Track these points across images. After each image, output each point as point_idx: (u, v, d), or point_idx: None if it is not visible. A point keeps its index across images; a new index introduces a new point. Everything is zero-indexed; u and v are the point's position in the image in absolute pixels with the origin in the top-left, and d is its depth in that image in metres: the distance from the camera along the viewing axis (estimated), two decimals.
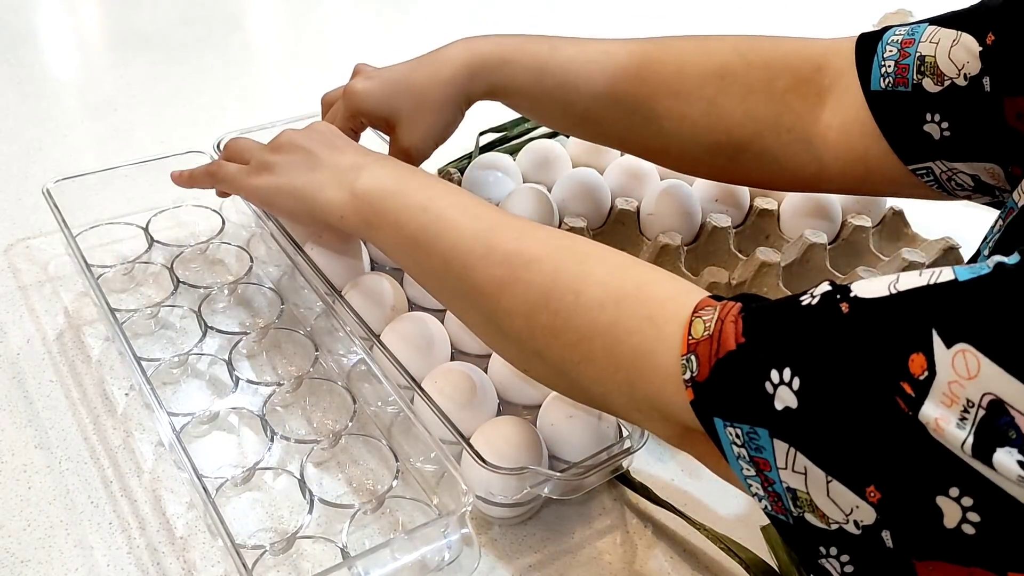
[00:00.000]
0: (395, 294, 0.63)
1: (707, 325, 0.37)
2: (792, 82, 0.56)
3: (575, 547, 0.53)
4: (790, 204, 0.75)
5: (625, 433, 0.55)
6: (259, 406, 0.57)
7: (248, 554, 0.47)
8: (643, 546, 0.53)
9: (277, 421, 0.57)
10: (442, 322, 0.61)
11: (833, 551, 0.34)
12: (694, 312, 0.39)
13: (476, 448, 0.51)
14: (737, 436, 0.36)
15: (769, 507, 0.36)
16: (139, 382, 0.55)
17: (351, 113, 0.62)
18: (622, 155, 0.80)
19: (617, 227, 0.73)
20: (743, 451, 0.36)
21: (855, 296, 0.33)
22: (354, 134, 0.63)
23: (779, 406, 0.33)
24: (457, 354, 0.61)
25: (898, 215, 0.76)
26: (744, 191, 0.76)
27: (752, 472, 0.36)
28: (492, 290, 0.46)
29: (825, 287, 0.34)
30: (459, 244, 0.48)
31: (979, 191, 0.53)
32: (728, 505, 0.56)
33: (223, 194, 0.66)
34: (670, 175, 0.78)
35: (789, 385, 0.33)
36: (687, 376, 0.37)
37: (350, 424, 0.57)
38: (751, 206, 0.76)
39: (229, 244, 0.71)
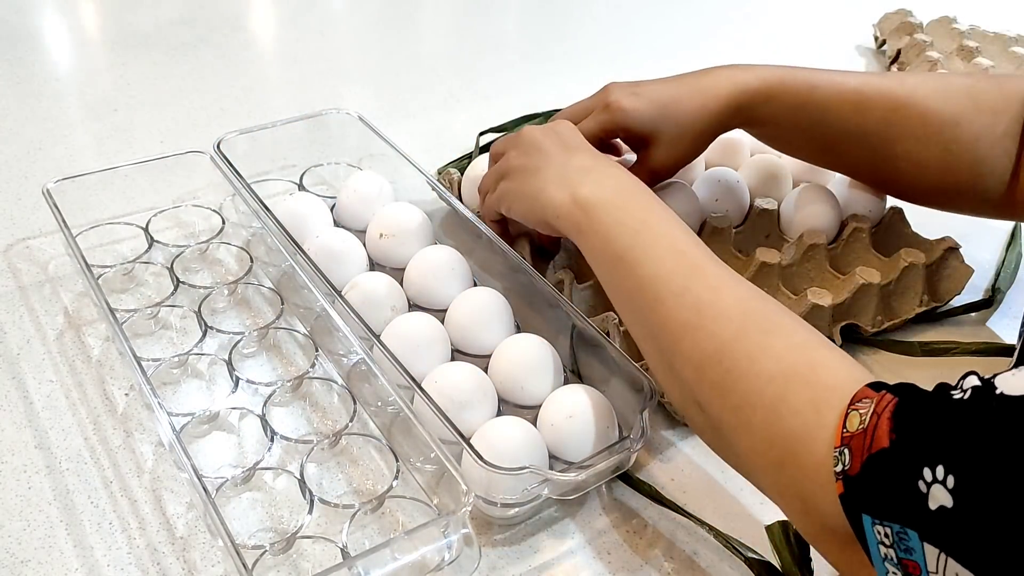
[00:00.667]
0: (395, 294, 0.63)
1: (863, 418, 0.37)
2: (1009, 124, 0.62)
3: (575, 547, 0.53)
4: (790, 204, 0.75)
5: (625, 433, 0.55)
6: (259, 406, 0.57)
7: (248, 554, 0.47)
8: (643, 546, 0.53)
9: (277, 421, 0.57)
10: (442, 322, 0.61)
11: None
12: (851, 404, 0.38)
13: (476, 448, 0.51)
14: (886, 536, 0.35)
15: None
16: (139, 382, 0.55)
17: (613, 127, 0.63)
18: (623, 156, 0.80)
19: None
20: (891, 552, 0.35)
21: (1001, 393, 0.32)
22: (601, 144, 0.64)
23: (932, 506, 0.33)
24: (457, 354, 0.61)
25: (898, 215, 0.76)
26: (744, 191, 0.76)
27: (899, 575, 0.35)
28: (675, 330, 0.47)
29: (974, 381, 0.34)
30: (658, 275, 0.49)
31: None
32: (729, 504, 0.56)
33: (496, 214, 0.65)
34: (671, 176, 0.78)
35: (943, 483, 0.32)
36: (839, 469, 0.37)
37: (350, 424, 0.57)
38: (751, 206, 0.76)
39: (229, 244, 0.71)
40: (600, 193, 0.54)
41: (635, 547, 0.53)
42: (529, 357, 0.58)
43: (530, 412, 0.57)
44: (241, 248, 0.70)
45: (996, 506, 0.31)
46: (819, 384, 0.41)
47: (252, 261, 0.69)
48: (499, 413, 0.57)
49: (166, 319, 0.64)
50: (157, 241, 0.69)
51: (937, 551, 0.33)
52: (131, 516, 0.52)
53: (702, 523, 0.53)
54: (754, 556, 0.51)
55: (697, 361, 0.46)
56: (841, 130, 0.64)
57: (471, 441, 0.52)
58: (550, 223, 0.57)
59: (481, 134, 0.87)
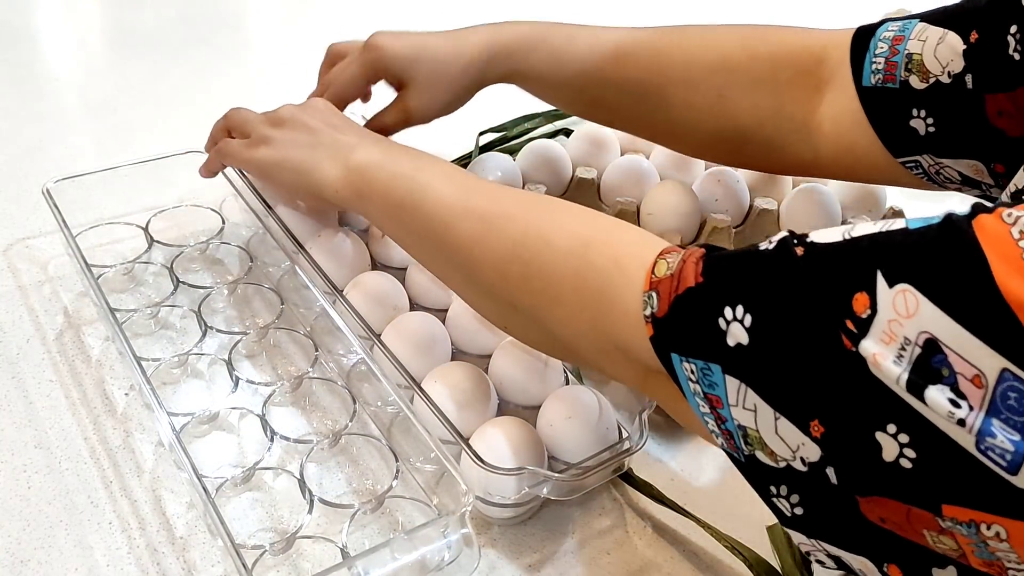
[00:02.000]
0: (395, 294, 0.63)
1: (670, 265, 0.39)
2: (794, 74, 0.59)
3: (575, 547, 0.53)
4: (790, 204, 0.75)
5: (625, 434, 0.55)
6: (259, 406, 0.57)
7: (248, 554, 0.47)
8: (643, 546, 0.53)
9: (277, 421, 0.57)
10: (443, 322, 0.61)
11: (783, 490, 0.36)
12: (659, 255, 0.40)
13: (475, 448, 0.51)
14: (692, 372, 0.37)
15: (724, 444, 0.37)
16: (139, 382, 0.55)
17: (371, 66, 0.65)
18: (622, 155, 0.80)
19: None
20: (698, 387, 0.37)
21: (810, 241, 0.34)
22: (364, 85, 0.67)
23: (731, 342, 0.34)
24: (457, 354, 0.61)
25: (898, 214, 0.76)
26: (744, 191, 0.76)
27: (707, 409, 0.37)
28: (468, 245, 0.49)
29: (783, 233, 0.35)
30: (439, 205, 0.51)
31: (967, 184, 0.54)
32: (729, 505, 0.56)
33: (220, 165, 0.67)
34: (670, 175, 0.78)
35: (741, 322, 0.34)
36: (647, 312, 0.39)
37: (350, 424, 0.57)
38: (751, 206, 0.76)
39: (229, 244, 0.71)
40: (371, 156, 0.56)
41: (634, 547, 0.53)
42: (529, 358, 0.58)
43: (529, 413, 0.57)
44: (241, 248, 0.70)
45: (787, 342, 0.33)
46: (618, 243, 0.43)
47: (252, 261, 0.69)
48: (499, 413, 0.57)
49: (166, 319, 0.64)
50: (157, 241, 0.69)
51: (737, 383, 0.35)
52: (131, 516, 0.52)
53: (703, 523, 0.53)
54: (755, 557, 0.51)
55: (497, 264, 0.47)
56: (602, 81, 0.63)
57: (470, 441, 0.52)
58: (328, 198, 0.58)
59: (481, 134, 0.87)
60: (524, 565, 0.52)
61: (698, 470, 0.58)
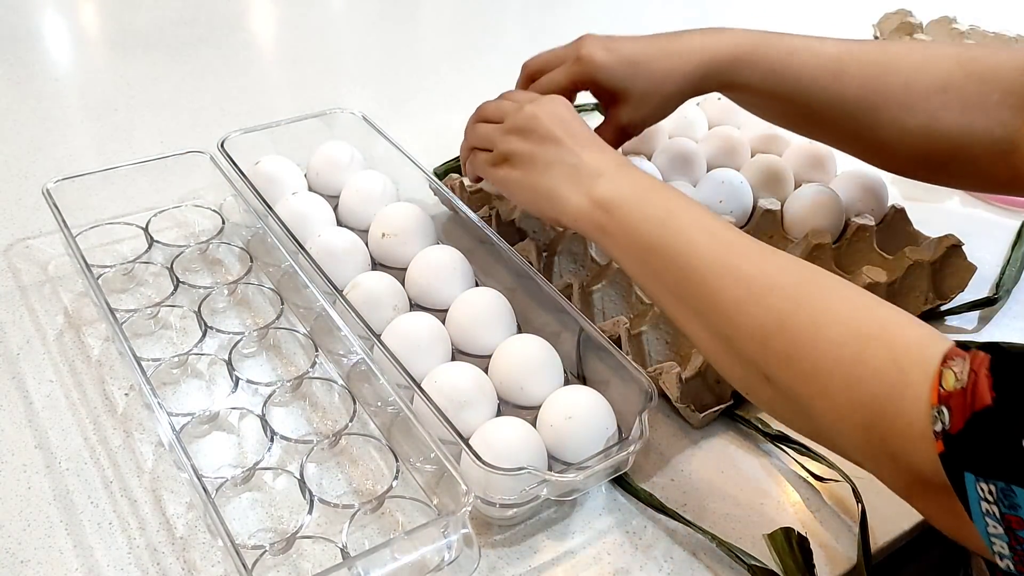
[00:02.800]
0: (395, 294, 0.63)
1: (958, 376, 0.37)
2: (1003, 95, 0.60)
3: (575, 547, 0.53)
4: (794, 204, 0.75)
5: (625, 434, 0.55)
6: (259, 406, 0.57)
7: (248, 554, 0.47)
8: (643, 546, 0.53)
9: (277, 421, 0.57)
10: (443, 322, 0.61)
11: None
12: (943, 362, 0.38)
13: (475, 449, 0.50)
14: (989, 493, 0.35)
15: (1012, 567, 0.36)
16: (139, 382, 0.55)
17: (583, 79, 0.64)
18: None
19: None
20: (994, 508, 0.35)
21: None
22: (571, 95, 0.65)
23: None
24: (457, 354, 0.61)
25: (900, 213, 0.76)
26: (748, 192, 0.76)
27: (1000, 531, 0.35)
28: (728, 308, 0.47)
29: None
30: (696, 259, 0.48)
31: None
32: (729, 505, 0.56)
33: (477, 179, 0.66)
34: (673, 176, 0.78)
35: None
36: (938, 428, 0.37)
37: (350, 424, 0.57)
38: (755, 206, 0.76)
39: (229, 244, 0.71)
40: (619, 191, 0.53)
41: (634, 548, 0.53)
42: (529, 358, 0.58)
43: (529, 413, 0.57)
44: (241, 248, 0.70)
45: None
46: (896, 343, 0.41)
47: (252, 261, 0.69)
48: (499, 413, 0.57)
49: (166, 319, 0.64)
50: (157, 241, 0.69)
51: None
52: (131, 516, 0.52)
53: (703, 531, 0.53)
54: (757, 564, 0.51)
55: (759, 335, 0.45)
56: (819, 98, 0.63)
57: (470, 441, 0.52)
58: (566, 224, 0.56)
59: None
60: (524, 565, 0.51)
61: (697, 470, 0.58)
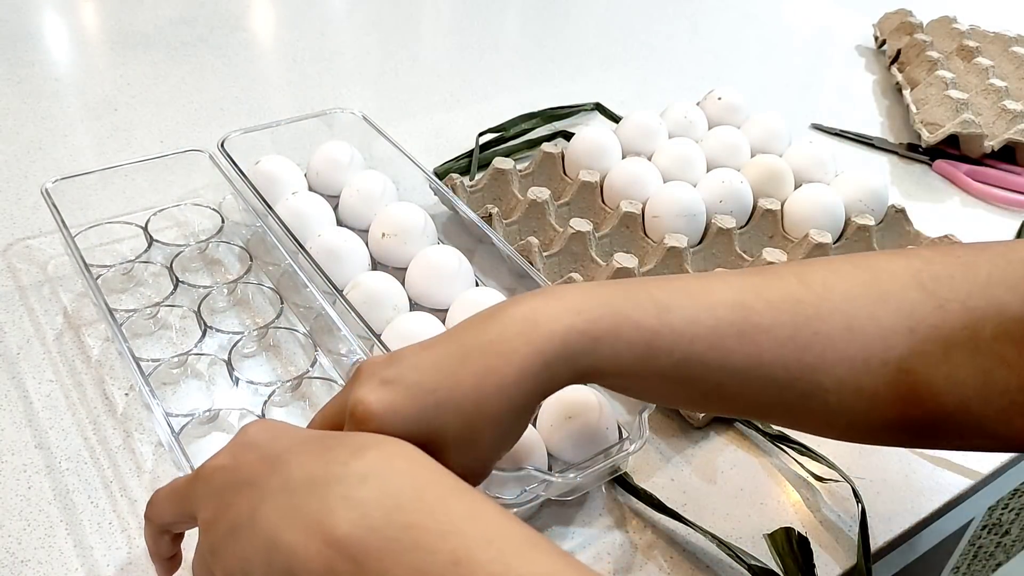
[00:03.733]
0: (395, 294, 0.63)
1: None
2: (1000, 325, 0.41)
3: (575, 548, 0.53)
4: (794, 205, 0.75)
5: (625, 434, 0.55)
6: (259, 406, 0.57)
7: None
8: (643, 546, 0.53)
9: None
10: (443, 322, 0.61)
11: None
12: None
13: None
14: None
15: None
16: (139, 382, 0.55)
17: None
18: (624, 157, 0.80)
19: (622, 230, 0.72)
20: None
21: None
22: None
23: None
24: None
25: (900, 213, 0.76)
26: (748, 192, 0.76)
27: None
28: None
29: None
30: None
31: None
32: (729, 505, 0.56)
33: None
34: (673, 176, 0.78)
35: None
36: None
37: None
38: (755, 206, 0.76)
39: (229, 244, 0.71)
40: (367, 517, 0.33)
41: (634, 548, 0.53)
42: None
43: None
44: (241, 248, 0.70)
45: None
46: None
47: (252, 260, 0.69)
48: None
49: (166, 319, 0.64)
50: (157, 241, 0.69)
51: None
52: (131, 516, 0.52)
53: (703, 531, 0.53)
54: (757, 564, 0.51)
55: None
56: (722, 369, 0.42)
57: None
58: None
59: (481, 134, 0.87)
60: None
61: (697, 470, 0.58)
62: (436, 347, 0.41)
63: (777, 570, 0.51)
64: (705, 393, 0.44)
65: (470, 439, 0.40)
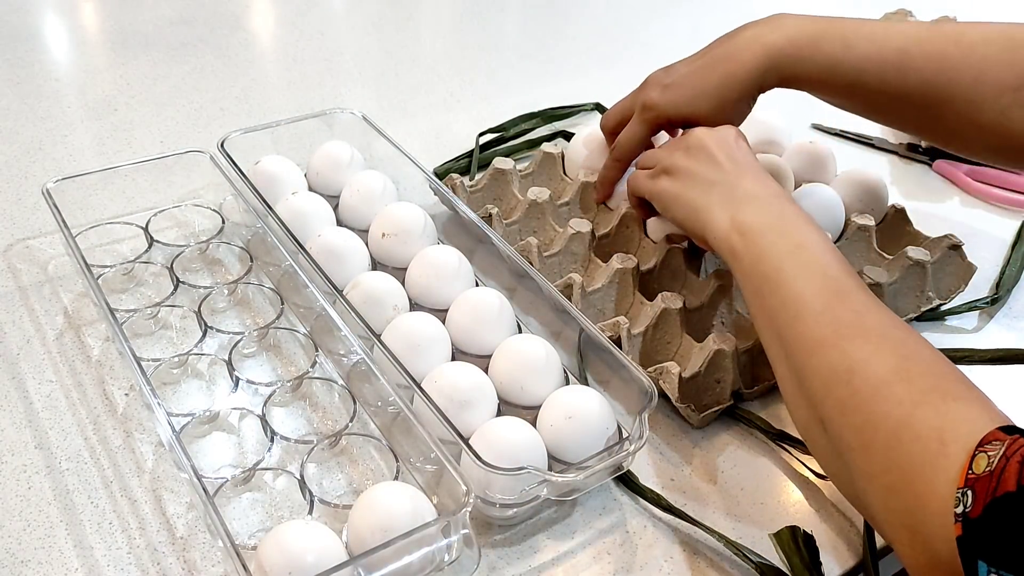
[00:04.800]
0: (396, 294, 0.63)
1: (991, 460, 0.36)
2: None
3: (575, 547, 0.53)
4: None
5: (625, 434, 0.55)
6: (259, 406, 0.57)
7: (248, 555, 0.47)
8: (643, 546, 0.53)
9: (277, 421, 0.57)
10: (443, 322, 0.61)
11: None
12: (979, 445, 0.37)
13: (475, 448, 0.50)
14: None
15: None
16: (139, 382, 0.55)
17: (655, 124, 0.67)
18: None
19: (622, 230, 0.72)
20: None
21: None
22: (650, 140, 0.69)
23: None
24: (457, 354, 0.61)
25: (900, 213, 0.76)
26: None
27: None
28: (809, 346, 0.47)
29: None
30: (803, 294, 0.49)
31: None
32: (728, 505, 0.56)
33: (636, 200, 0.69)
34: None
35: None
36: (959, 510, 0.36)
37: (350, 424, 0.57)
38: None
39: (229, 244, 0.71)
40: (759, 219, 0.54)
41: (635, 548, 0.53)
42: (529, 358, 0.58)
43: (530, 413, 0.57)
44: (241, 248, 0.70)
45: None
46: (948, 415, 0.40)
47: (252, 261, 0.69)
48: (499, 413, 0.57)
49: (166, 319, 0.64)
50: (157, 241, 0.69)
51: None
52: (131, 516, 0.52)
53: (711, 531, 0.53)
54: (764, 562, 0.51)
55: (826, 377, 0.45)
56: (884, 93, 0.62)
57: (470, 441, 0.52)
58: (708, 241, 0.58)
59: (481, 134, 0.87)
60: (524, 565, 0.51)
61: (697, 470, 0.58)
62: (698, 59, 0.66)
63: (784, 568, 0.51)
64: (870, 106, 0.66)
65: (716, 114, 0.64)
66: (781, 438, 0.59)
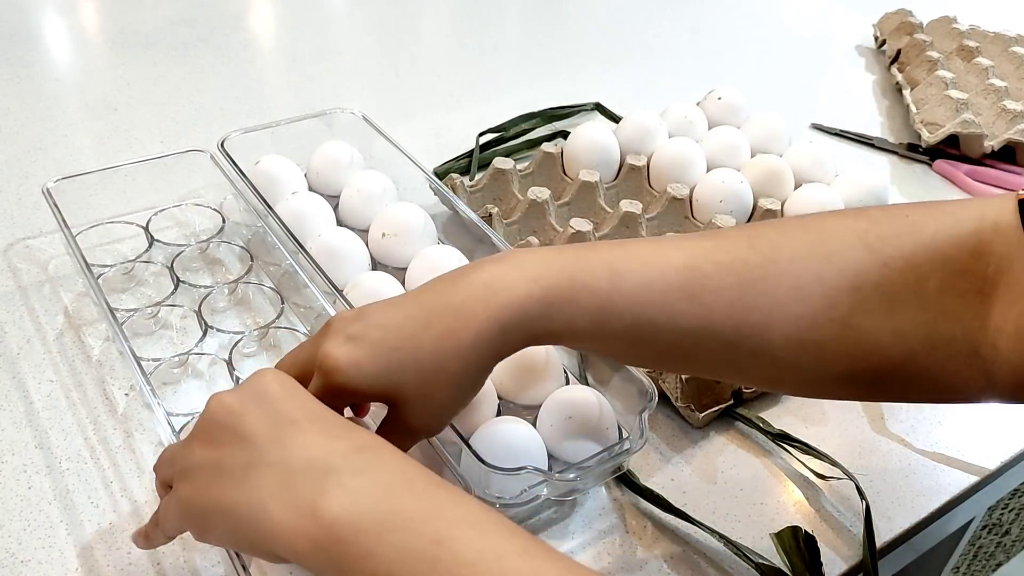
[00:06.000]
0: (396, 293, 0.63)
1: None
2: (945, 279, 0.43)
3: (575, 547, 0.53)
4: (794, 205, 0.75)
5: (625, 434, 0.55)
6: None
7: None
8: (643, 546, 0.53)
9: None
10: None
11: None
12: None
13: (475, 448, 0.50)
14: None
15: None
16: (139, 382, 0.55)
17: (337, 394, 0.42)
18: (624, 157, 0.80)
19: (622, 229, 0.72)
20: None
21: None
22: (340, 410, 0.43)
23: None
24: None
25: None
26: (748, 192, 0.76)
27: None
28: None
29: None
30: None
31: None
32: (728, 506, 0.56)
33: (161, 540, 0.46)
34: (673, 177, 0.78)
35: None
36: None
37: None
38: (755, 206, 0.76)
39: (229, 243, 0.71)
40: (358, 503, 0.35)
41: (635, 548, 0.53)
42: (529, 357, 0.58)
43: (529, 413, 0.57)
44: (242, 247, 0.70)
45: None
46: None
47: (252, 261, 0.69)
48: (499, 413, 0.57)
49: (166, 319, 0.64)
50: (157, 240, 0.69)
51: None
52: (131, 516, 0.52)
53: (712, 531, 0.53)
54: (764, 562, 0.51)
55: None
56: (674, 330, 0.44)
57: (470, 441, 0.52)
58: (287, 559, 0.37)
59: (481, 134, 0.87)
60: None
61: (697, 470, 0.58)
62: (401, 307, 0.44)
63: (784, 569, 0.51)
64: (659, 353, 0.47)
65: (428, 396, 0.43)
66: (781, 438, 0.59)
